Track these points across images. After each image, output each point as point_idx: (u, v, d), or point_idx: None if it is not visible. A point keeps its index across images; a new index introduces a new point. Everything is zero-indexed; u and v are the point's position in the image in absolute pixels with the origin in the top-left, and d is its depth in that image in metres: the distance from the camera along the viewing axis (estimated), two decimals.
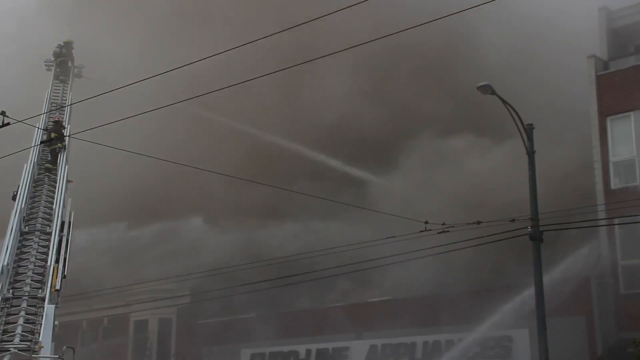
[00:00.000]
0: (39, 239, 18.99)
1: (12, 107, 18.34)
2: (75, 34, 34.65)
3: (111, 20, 38.81)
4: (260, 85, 27.31)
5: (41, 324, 15.49)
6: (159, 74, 17.15)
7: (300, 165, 34.88)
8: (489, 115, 28.55)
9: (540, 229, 21.14)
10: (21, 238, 18.85)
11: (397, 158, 33.45)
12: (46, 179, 22.46)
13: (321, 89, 34.80)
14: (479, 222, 22.18)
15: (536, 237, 21.18)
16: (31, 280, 17.27)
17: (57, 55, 33.26)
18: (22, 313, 16.09)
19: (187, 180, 34.57)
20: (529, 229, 21.24)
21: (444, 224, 22.46)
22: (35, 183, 22.12)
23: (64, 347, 15.75)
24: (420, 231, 22.67)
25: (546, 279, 21.53)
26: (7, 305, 16.28)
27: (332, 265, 24.66)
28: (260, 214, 35.05)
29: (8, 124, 17.20)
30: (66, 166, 22.67)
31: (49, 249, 18.26)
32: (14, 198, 20.16)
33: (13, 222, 18.58)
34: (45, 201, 21.09)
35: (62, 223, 19.17)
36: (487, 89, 21.40)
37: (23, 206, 19.76)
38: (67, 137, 23.96)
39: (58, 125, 24.52)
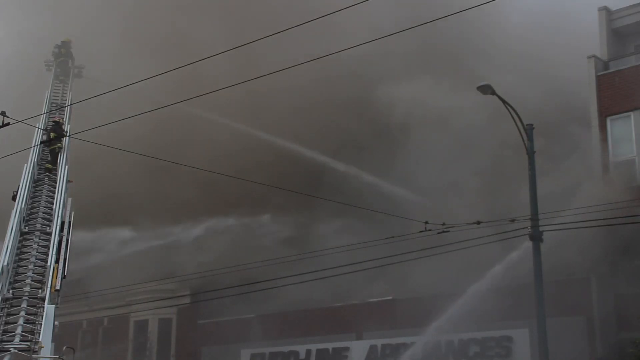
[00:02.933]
0: (39, 239, 19.03)
1: (12, 107, 18.36)
2: (74, 33, 34.66)
3: (110, 19, 38.74)
4: (263, 85, 27.26)
5: (41, 324, 15.52)
6: (158, 74, 17.15)
7: (299, 165, 34.80)
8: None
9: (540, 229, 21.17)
10: (21, 238, 18.89)
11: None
12: (46, 179, 22.49)
13: (321, 88, 34.73)
14: (479, 222, 22.18)
15: (536, 237, 21.18)
16: (31, 281, 17.32)
17: (56, 55, 33.32)
18: (22, 313, 16.12)
19: (188, 181, 34.50)
20: (529, 229, 21.26)
21: (444, 224, 22.45)
22: (35, 183, 22.15)
23: (64, 347, 15.76)
24: (420, 231, 22.67)
25: None
26: (7, 306, 16.31)
27: (332, 265, 24.63)
28: (258, 214, 34.99)
29: (8, 124, 17.23)
30: (66, 166, 22.70)
31: (49, 249, 18.29)
32: (14, 198, 20.18)
33: (13, 222, 18.61)
34: (45, 201, 21.11)
35: (62, 223, 19.20)
36: (487, 89, 21.41)
37: (23, 206, 19.79)
38: (67, 137, 23.98)
39: (58, 126, 24.54)
